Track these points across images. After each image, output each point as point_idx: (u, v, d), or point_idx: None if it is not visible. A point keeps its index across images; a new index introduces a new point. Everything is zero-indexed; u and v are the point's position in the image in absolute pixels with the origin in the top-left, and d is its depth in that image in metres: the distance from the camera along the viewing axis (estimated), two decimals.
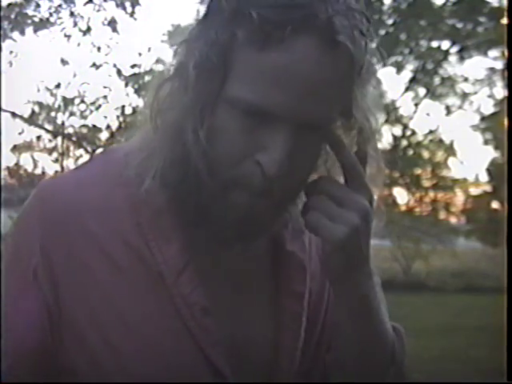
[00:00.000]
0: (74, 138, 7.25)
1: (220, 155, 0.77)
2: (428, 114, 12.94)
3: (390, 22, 9.83)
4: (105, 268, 0.80)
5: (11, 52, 6.18)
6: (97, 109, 6.81)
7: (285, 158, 0.75)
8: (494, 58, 11.30)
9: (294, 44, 0.72)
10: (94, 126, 6.91)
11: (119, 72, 6.20)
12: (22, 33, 5.76)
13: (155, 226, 0.81)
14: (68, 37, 6.05)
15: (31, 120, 7.11)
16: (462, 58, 11.24)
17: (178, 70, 0.79)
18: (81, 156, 7.03)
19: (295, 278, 0.90)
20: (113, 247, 0.81)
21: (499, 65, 11.27)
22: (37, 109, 7.25)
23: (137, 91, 6.08)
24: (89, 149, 6.62)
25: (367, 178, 0.83)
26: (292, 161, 0.76)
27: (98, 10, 5.97)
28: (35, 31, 5.84)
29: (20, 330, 0.79)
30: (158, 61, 5.97)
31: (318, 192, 0.80)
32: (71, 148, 7.68)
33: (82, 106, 6.96)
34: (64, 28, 6.02)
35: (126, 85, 6.19)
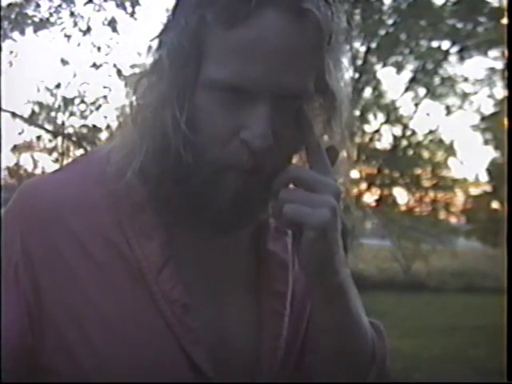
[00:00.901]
0: (74, 138, 7.25)
1: (204, 139, 0.77)
2: (428, 114, 12.93)
3: (390, 22, 9.84)
4: (85, 266, 0.80)
5: (11, 52, 6.19)
6: (97, 109, 6.82)
7: (268, 131, 0.75)
8: (494, 58, 11.31)
9: (260, 17, 0.73)
10: (94, 125, 6.92)
11: (119, 72, 6.21)
12: (22, 33, 5.76)
13: (135, 222, 0.81)
14: (68, 37, 6.06)
15: (31, 120, 7.12)
16: (462, 58, 11.25)
17: (153, 64, 0.80)
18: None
19: (277, 277, 0.90)
20: (93, 245, 0.80)
21: (499, 65, 11.28)
22: (37, 109, 7.26)
23: None
24: (89, 149, 6.62)
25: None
26: (276, 134, 0.76)
27: (98, 10, 5.98)
28: (35, 31, 5.85)
29: (1, 326, 0.79)
30: None
31: (286, 183, 0.79)
32: (71, 148, 7.68)
33: (82, 106, 6.97)
34: (64, 28, 6.03)
35: (126, 85, 6.18)
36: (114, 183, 0.80)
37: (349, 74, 0.86)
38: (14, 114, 6.68)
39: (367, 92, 12.17)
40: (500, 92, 11.90)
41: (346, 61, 0.83)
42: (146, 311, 0.80)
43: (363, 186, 13.04)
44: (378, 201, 13.44)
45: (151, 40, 0.81)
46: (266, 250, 0.90)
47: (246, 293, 0.89)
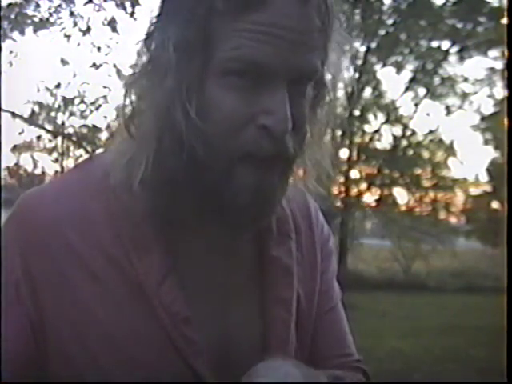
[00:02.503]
0: (74, 138, 7.25)
1: (217, 129, 0.75)
2: (428, 114, 12.95)
3: (390, 22, 9.85)
4: (85, 281, 0.79)
5: (11, 52, 6.20)
6: (97, 109, 6.82)
7: (289, 115, 0.74)
8: (494, 58, 11.32)
9: (272, 2, 0.74)
10: (94, 125, 6.93)
11: (119, 72, 6.21)
12: (22, 33, 5.76)
13: (135, 236, 0.80)
14: (68, 37, 6.07)
15: (31, 120, 7.12)
16: (461, 58, 11.26)
17: (153, 62, 0.77)
18: (81, 156, 7.04)
19: (281, 283, 0.88)
20: (93, 260, 0.80)
21: (499, 65, 11.29)
22: (37, 109, 7.26)
23: None
24: (89, 149, 6.62)
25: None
26: (293, 119, 0.75)
27: (98, 10, 5.98)
28: (35, 31, 5.85)
29: (6, 344, 0.78)
30: None
31: None
32: (71, 148, 7.68)
33: (82, 106, 6.97)
34: (64, 28, 6.04)
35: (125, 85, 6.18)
36: (113, 196, 0.79)
37: (348, 64, 0.86)
38: (13, 114, 6.68)
39: (367, 92, 12.18)
40: (500, 92, 11.93)
41: (343, 47, 0.84)
42: (147, 325, 0.79)
43: (363, 185, 13.05)
44: (377, 201, 13.45)
45: (144, 40, 0.78)
46: (270, 256, 0.88)
47: (251, 301, 0.88)
